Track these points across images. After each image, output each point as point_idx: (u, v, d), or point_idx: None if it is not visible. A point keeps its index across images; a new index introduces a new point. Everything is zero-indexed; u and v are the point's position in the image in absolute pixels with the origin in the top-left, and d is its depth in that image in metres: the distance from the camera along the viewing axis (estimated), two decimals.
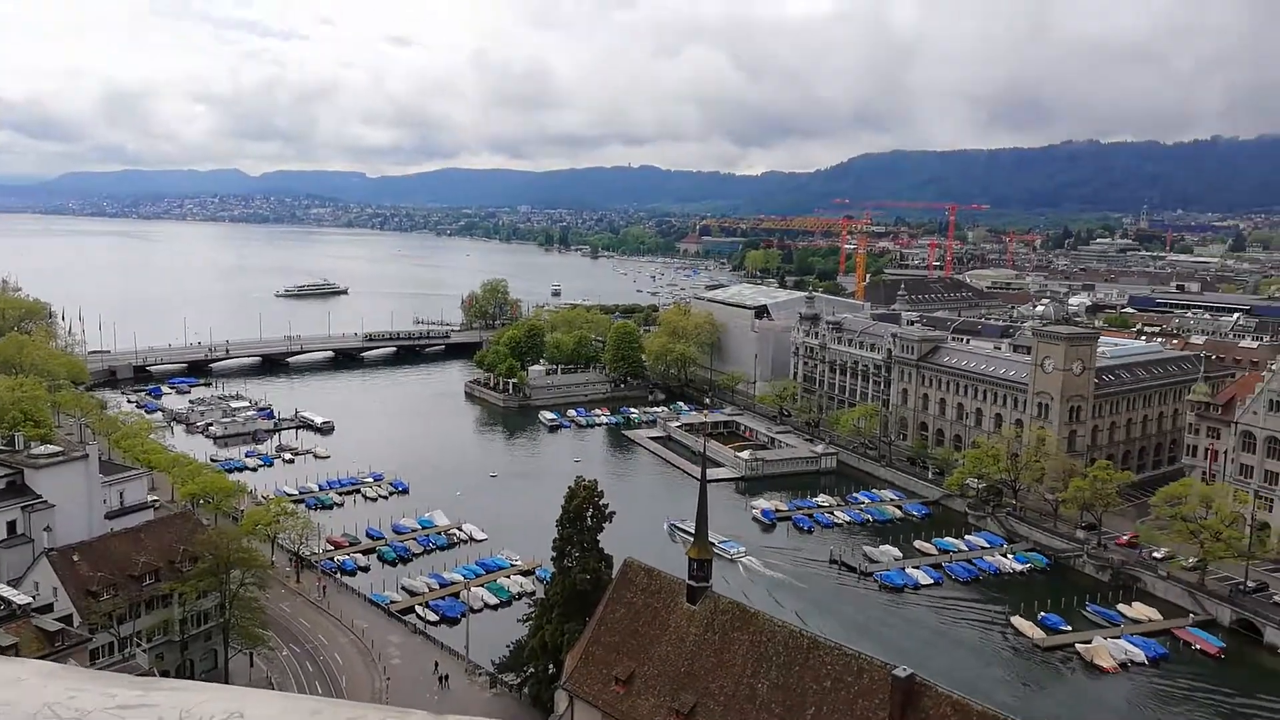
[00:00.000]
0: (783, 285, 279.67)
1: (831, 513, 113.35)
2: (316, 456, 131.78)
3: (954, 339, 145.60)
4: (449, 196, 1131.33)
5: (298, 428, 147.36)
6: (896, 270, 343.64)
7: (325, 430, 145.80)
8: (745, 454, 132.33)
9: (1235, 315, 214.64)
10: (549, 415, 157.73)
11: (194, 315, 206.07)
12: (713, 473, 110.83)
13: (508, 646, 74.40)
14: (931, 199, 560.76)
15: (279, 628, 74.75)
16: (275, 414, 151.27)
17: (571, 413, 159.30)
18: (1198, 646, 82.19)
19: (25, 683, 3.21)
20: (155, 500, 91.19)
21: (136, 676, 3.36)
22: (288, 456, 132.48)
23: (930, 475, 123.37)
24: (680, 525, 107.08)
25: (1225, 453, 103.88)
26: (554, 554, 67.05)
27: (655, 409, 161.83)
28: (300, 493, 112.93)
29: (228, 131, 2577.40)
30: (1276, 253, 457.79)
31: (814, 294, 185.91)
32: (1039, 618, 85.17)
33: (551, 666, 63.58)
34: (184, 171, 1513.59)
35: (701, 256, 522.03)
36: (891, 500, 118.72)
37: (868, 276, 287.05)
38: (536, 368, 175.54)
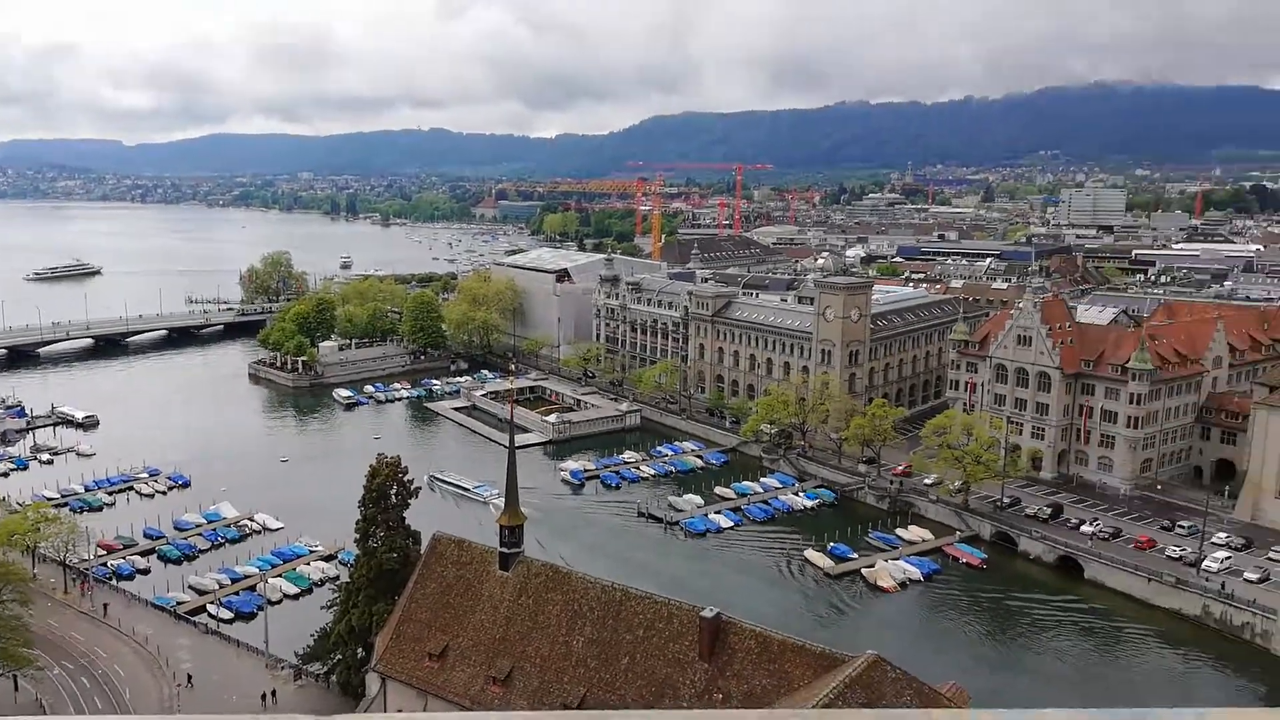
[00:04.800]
0: (581, 248, 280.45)
1: (637, 468, 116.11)
2: (80, 455, 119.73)
3: (744, 294, 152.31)
4: (219, 165, 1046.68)
5: (55, 424, 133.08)
6: (690, 230, 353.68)
7: (88, 425, 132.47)
8: (552, 417, 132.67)
9: (988, 260, 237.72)
10: (344, 393, 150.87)
11: None
12: (521, 438, 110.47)
13: (312, 635, 71.24)
14: (720, 160, 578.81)
15: (48, 644, 67.71)
16: (28, 411, 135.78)
17: (369, 389, 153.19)
18: (964, 560, 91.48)
19: None
20: None
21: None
22: (45, 457, 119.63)
23: (727, 424, 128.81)
24: (440, 476, 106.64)
25: (982, 385, 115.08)
26: (358, 535, 64.56)
27: (458, 379, 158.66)
28: (63, 495, 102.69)
29: None
30: (1021, 202, 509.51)
31: (612, 256, 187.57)
32: (828, 548, 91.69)
33: (361, 650, 61.52)
34: None
35: (498, 221, 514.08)
36: (692, 451, 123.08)
37: (663, 237, 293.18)
38: (328, 344, 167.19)
